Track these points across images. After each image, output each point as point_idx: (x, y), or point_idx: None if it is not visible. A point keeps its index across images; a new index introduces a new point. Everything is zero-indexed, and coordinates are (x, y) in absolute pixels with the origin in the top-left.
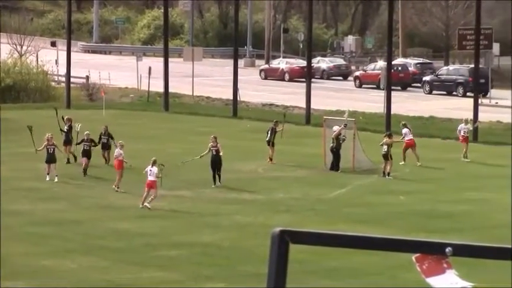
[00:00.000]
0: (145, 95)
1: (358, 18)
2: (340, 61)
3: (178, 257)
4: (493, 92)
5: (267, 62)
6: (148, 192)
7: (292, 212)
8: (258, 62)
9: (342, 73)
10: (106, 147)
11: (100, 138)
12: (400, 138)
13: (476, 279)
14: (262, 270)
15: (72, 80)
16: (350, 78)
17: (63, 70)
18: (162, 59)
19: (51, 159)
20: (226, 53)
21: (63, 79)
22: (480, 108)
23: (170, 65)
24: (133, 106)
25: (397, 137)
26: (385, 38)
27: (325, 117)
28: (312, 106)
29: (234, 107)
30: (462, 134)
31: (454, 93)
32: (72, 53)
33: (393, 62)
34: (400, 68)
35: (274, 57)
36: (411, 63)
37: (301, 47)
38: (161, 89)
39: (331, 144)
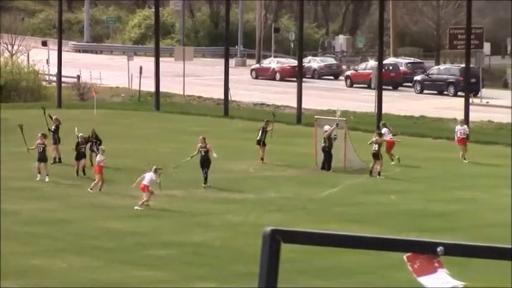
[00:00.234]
0: (137, 95)
1: (349, 17)
2: (331, 61)
3: (170, 257)
4: (484, 92)
5: (258, 62)
6: (149, 194)
7: (284, 211)
8: (249, 61)
9: (333, 73)
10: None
11: (87, 142)
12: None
13: (466, 278)
14: (253, 269)
15: (63, 79)
16: (341, 77)
17: (54, 69)
18: (153, 59)
19: (41, 158)
20: (217, 53)
21: (54, 78)
22: (471, 107)
23: (161, 64)
24: (124, 106)
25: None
26: (376, 38)
27: (316, 116)
28: (303, 106)
29: (225, 107)
30: (459, 135)
31: (445, 92)
32: (63, 53)
33: (384, 62)
34: (391, 68)
35: (265, 57)
36: (402, 62)
37: (292, 46)
38: (152, 89)
39: (323, 144)
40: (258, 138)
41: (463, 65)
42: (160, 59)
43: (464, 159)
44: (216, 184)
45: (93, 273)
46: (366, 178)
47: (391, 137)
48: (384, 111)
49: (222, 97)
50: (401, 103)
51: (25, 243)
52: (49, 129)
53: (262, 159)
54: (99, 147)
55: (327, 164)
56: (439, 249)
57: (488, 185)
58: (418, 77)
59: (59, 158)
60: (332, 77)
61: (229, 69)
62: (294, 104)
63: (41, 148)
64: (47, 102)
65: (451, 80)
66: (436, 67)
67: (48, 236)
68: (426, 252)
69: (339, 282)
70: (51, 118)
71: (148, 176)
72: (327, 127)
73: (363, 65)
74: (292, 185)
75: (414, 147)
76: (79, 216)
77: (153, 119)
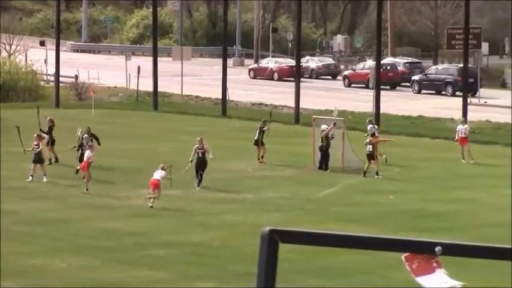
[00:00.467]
0: (135, 94)
1: (347, 17)
2: (329, 60)
3: (168, 256)
4: (482, 92)
5: (256, 62)
6: (153, 191)
7: (282, 211)
8: (247, 61)
9: (331, 72)
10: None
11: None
12: (381, 138)
13: (464, 278)
14: (251, 269)
15: (61, 79)
16: (339, 77)
17: (52, 69)
18: (151, 58)
19: (35, 159)
20: (215, 53)
21: (52, 78)
22: (469, 107)
23: (159, 64)
24: (122, 105)
25: (384, 137)
26: (374, 37)
27: (314, 116)
28: (301, 105)
29: (223, 106)
30: (460, 134)
31: (443, 92)
32: (61, 53)
33: (382, 62)
34: (389, 68)
35: (263, 57)
36: (400, 62)
37: (290, 46)
38: (150, 88)
39: (320, 143)
40: (255, 138)
41: (461, 65)
42: (158, 58)
43: (464, 158)
44: (215, 184)
45: (92, 273)
46: (364, 178)
47: (376, 134)
48: (381, 111)
49: (220, 97)
50: (399, 103)
51: (24, 243)
52: (41, 130)
53: (261, 158)
54: (87, 143)
55: (324, 164)
56: (437, 249)
57: (486, 184)
58: (416, 77)
59: (56, 158)
60: (330, 77)
61: (227, 69)
62: (292, 104)
63: (36, 149)
64: (45, 102)
65: (449, 80)
66: (434, 67)
67: (47, 236)
68: (424, 252)
69: (337, 282)
70: (51, 120)
71: (159, 173)
72: (324, 126)
73: (360, 65)
74: (291, 185)
75: (412, 147)
76: (77, 216)
77: (151, 118)
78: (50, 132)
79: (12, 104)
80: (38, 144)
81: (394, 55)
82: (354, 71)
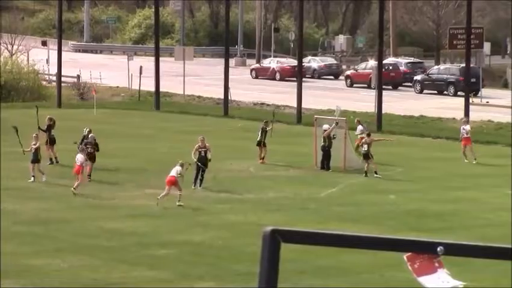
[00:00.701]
0: (137, 94)
1: (349, 17)
2: (331, 60)
3: (169, 256)
4: (484, 92)
5: (258, 61)
6: (169, 190)
7: (284, 211)
8: (249, 61)
9: (333, 72)
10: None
11: (82, 141)
12: (377, 137)
13: (466, 278)
14: (253, 269)
15: (63, 79)
16: (341, 77)
17: (54, 69)
18: (153, 58)
19: (33, 159)
20: (217, 53)
21: (54, 78)
22: (471, 107)
23: (161, 64)
24: (124, 105)
25: (379, 136)
26: (376, 37)
27: (316, 116)
28: (303, 105)
29: (225, 106)
30: (464, 134)
31: (445, 92)
32: (63, 52)
33: (384, 61)
34: (391, 67)
35: (265, 57)
36: (402, 62)
37: (292, 46)
38: (152, 88)
39: (322, 143)
40: (258, 140)
41: (463, 65)
42: (160, 58)
43: (466, 158)
44: (216, 184)
45: (93, 273)
46: (366, 178)
47: (365, 134)
48: (383, 111)
49: (222, 97)
50: (401, 103)
51: (24, 243)
52: (39, 128)
53: (262, 158)
54: (79, 145)
55: (326, 164)
56: (439, 249)
57: (487, 184)
58: (418, 77)
59: (55, 158)
60: (332, 77)
61: (229, 69)
62: (294, 104)
63: (34, 149)
64: (46, 102)
65: (451, 80)
66: (436, 67)
67: (47, 236)
68: (426, 252)
69: (338, 282)
70: (50, 119)
71: (176, 169)
72: (325, 126)
73: (362, 65)
74: (292, 185)
75: (414, 147)
76: (78, 216)
77: (153, 118)
78: (48, 130)
79: (14, 103)
80: (36, 144)
81: (396, 55)
82: (356, 71)
